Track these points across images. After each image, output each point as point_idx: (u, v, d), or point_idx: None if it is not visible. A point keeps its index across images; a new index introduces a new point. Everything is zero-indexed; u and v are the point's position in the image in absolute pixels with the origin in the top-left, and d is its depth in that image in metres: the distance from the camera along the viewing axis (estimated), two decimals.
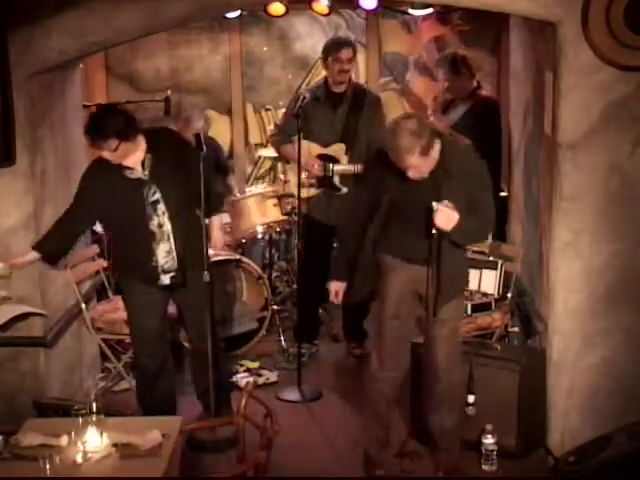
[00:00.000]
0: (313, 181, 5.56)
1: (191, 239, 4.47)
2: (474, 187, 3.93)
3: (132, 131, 4.28)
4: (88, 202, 4.41)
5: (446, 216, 3.82)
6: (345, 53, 5.45)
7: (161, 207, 4.38)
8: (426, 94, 7.21)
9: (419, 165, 3.84)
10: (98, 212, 4.47)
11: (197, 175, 4.38)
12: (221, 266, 5.81)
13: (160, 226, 4.40)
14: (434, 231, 3.88)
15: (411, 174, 3.87)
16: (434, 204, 3.82)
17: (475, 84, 5.66)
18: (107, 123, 4.20)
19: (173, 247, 4.43)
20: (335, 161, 5.50)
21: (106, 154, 4.26)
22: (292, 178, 5.70)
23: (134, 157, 4.33)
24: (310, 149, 5.50)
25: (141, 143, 4.35)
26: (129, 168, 4.35)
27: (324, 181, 5.54)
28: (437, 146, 3.88)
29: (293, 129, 5.51)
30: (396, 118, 3.96)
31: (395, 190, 4.02)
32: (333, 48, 5.49)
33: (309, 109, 5.43)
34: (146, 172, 4.36)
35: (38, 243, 4.39)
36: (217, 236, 4.76)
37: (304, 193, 5.40)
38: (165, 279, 4.48)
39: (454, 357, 4.16)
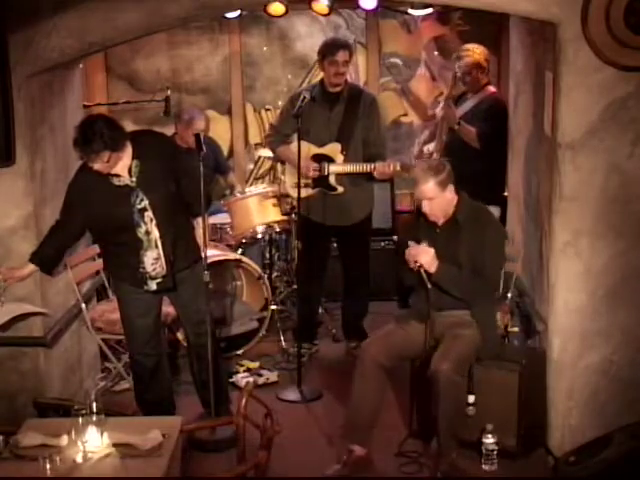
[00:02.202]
0: (309, 181, 5.55)
1: (181, 242, 4.47)
2: (480, 247, 4.25)
3: (122, 140, 4.23)
4: (76, 213, 4.38)
5: (419, 250, 4.23)
6: (341, 55, 5.43)
7: (149, 214, 4.32)
8: (426, 94, 7.23)
9: (433, 196, 4.23)
10: (86, 221, 4.42)
11: (186, 176, 4.40)
12: (221, 266, 5.82)
13: (147, 233, 4.35)
14: (415, 267, 4.25)
15: (426, 208, 4.26)
16: (411, 242, 4.26)
17: (486, 80, 5.71)
18: (97, 137, 4.11)
19: (161, 253, 4.38)
20: (331, 161, 5.49)
21: (97, 165, 4.21)
22: (287, 178, 5.69)
23: (121, 164, 4.27)
24: (307, 149, 5.50)
25: (128, 149, 4.29)
26: (116, 175, 4.29)
27: (320, 181, 5.54)
28: (453, 189, 4.28)
29: (288, 129, 5.52)
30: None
31: (421, 237, 4.34)
32: (329, 50, 5.46)
33: (305, 109, 5.43)
34: (133, 179, 4.30)
35: (34, 255, 4.38)
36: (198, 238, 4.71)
37: (300, 193, 5.43)
38: (152, 285, 4.44)
39: (458, 367, 4.21)
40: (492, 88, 5.79)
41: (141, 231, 4.34)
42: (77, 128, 4.23)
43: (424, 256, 4.24)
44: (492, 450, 4.27)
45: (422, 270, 4.25)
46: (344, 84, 5.54)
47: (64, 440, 3.33)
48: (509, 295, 4.94)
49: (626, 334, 4.29)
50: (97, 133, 4.12)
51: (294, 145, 5.56)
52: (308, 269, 5.61)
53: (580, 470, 4.10)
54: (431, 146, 5.95)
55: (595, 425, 4.31)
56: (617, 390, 4.32)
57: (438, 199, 4.26)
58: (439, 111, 5.75)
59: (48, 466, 3.15)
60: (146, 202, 4.32)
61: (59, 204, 4.70)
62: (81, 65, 5.29)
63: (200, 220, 4.55)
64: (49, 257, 4.42)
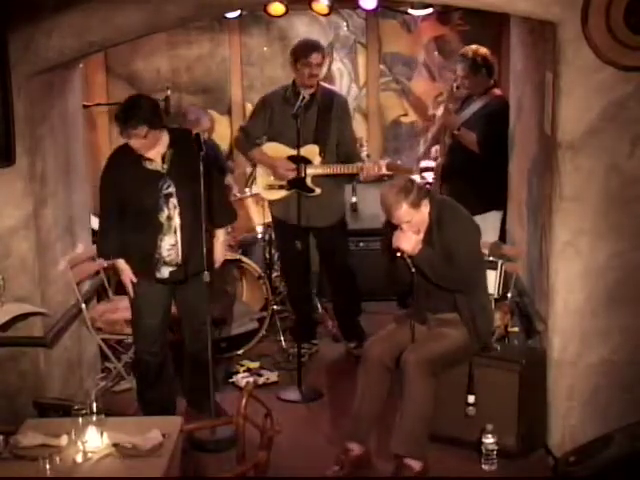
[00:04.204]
0: (284, 183, 5.54)
1: (196, 242, 4.49)
2: (450, 241, 4.25)
3: (160, 120, 4.42)
4: (112, 192, 4.54)
5: (400, 235, 4.21)
6: (315, 58, 5.44)
7: (173, 201, 4.45)
8: (426, 94, 7.23)
9: (410, 219, 4.18)
10: (116, 201, 4.54)
11: (213, 184, 4.54)
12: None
13: (169, 219, 4.46)
14: (398, 254, 4.24)
15: (406, 228, 4.22)
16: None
17: (492, 82, 5.69)
18: (138, 110, 4.32)
19: (179, 241, 4.48)
20: (307, 162, 5.45)
21: (134, 142, 4.36)
22: (259, 181, 5.67)
23: (156, 149, 4.43)
24: (279, 151, 5.50)
25: (165, 137, 4.46)
26: (149, 159, 4.45)
27: (296, 183, 5.50)
28: (427, 202, 4.25)
29: (259, 132, 5.54)
30: (388, 182, 4.42)
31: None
32: (303, 52, 5.46)
33: (278, 112, 5.46)
34: (165, 166, 4.46)
35: (101, 249, 4.69)
36: (220, 251, 4.80)
37: (272, 195, 5.49)
38: (165, 272, 4.53)
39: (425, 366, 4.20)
40: (498, 91, 5.75)
41: (163, 215, 4.46)
42: (121, 104, 4.45)
43: (405, 242, 4.23)
44: (492, 450, 4.27)
45: (405, 256, 4.25)
46: (317, 86, 5.54)
47: (64, 440, 3.33)
48: (509, 295, 4.94)
49: (626, 334, 4.29)
50: (139, 108, 4.33)
51: (266, 147, 5.57)
52: (292, 271, 5.66)
53: (580, 470, 4.10)
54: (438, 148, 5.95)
55: (595, 425, 4.31)
56: (617, 390, 4.32)
57: (415, 218, 4.23)
58: (439, 117, 5.72)
59: (48, 466, 3.15)
60: (173, 189, 4.44)
61: (59, 204, 4.72)
62: (81, 65, 5.29)
63: (220, 232, 4.73)
64: (115, 245, 4.60)
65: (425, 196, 4.26)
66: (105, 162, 4.63)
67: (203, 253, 4.49)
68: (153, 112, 4.38)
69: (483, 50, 5.67)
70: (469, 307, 4.32)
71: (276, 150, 5.52)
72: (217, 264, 4.83)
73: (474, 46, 5.73)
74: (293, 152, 5.47)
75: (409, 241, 4.23)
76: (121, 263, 4.63)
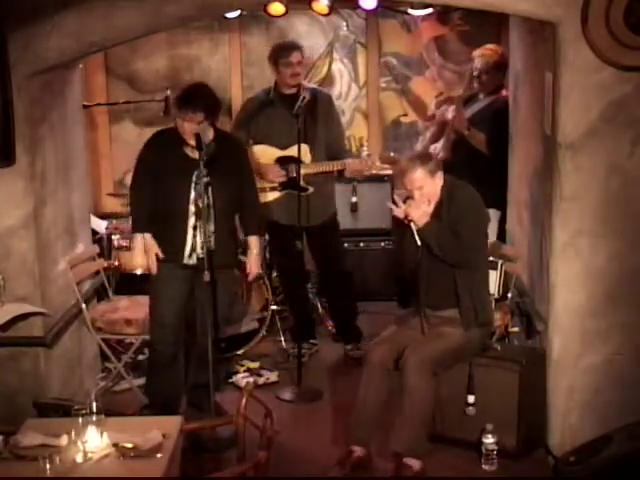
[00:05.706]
0: (275, 184, 5.55)
1: (226, 237, 4.63)
2: (458, 215, 4.31)
3: (216, 114, 4.59)
4: (148, 168, 4.63)
5: (411, 203, 4.30)
6: (295, 56, 5.47)
7: (210, 190, 4.49)
8: (426, 94, 7.23)
9: (423, 185, 4.29)
10: (152, 176, 4.62)
11: (248, 192, 4.74)
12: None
13: (209, 207, 4.50)
14: (406, 221, 4.34)
15: (417, 196, 4.29)
16: (396, 197, 4.40)
17: (502, 83, 5.74)
18: (202, 97, 4.49)
19: (213, 230, 4.53)
20: (298, 162, 5.41)
21: (187, 125, 4.47)
22: None
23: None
24: (268, 153, 5.51)
25: (210, 133, 4.57)
26: (191, 147, 4.52)
27: (288, 183, 5.51)
28: (442, 176, 4.36)
29: (244, 136, 5.50)
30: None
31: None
32: (283, 52, 5.49)
33: (264, 113, 5.47)
34: (205, 157, 4.48)
35: (138, 226, 4.71)
36: (254, 260, 4.88)
37: (263, 198, 5.46)
38: (194, 257, 4.61)
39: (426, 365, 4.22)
40: (505, 92, 5.79)
41: (205, 202, 4.49)
42: (183, 89, 4.63)
43: (414, 211, 4.30)
44: (492, 450, 4.27)
45: (412, 225, 4.32)
46: (298, 85, 5.54)
47: (64, 440, 3.33)
48: (509, 295, 4.94)
49: (626, 333, 4.29)
50: (204, 96, 4.51)
51: (254, 149, 5.56)
52: (289, 272, 5.68)
53: (580, 470, 4.10)
54: (438, 145, 5.95)
55: (595, 425, 4.31)
56: (617, 390, 4.32)
57: (427, 187, 4.31)
58: (449, 114, 5.75)
59: (48, 466, 3.15)
60: (209, 179, 4.47)
61: (59, 204, 4.71)
62: (81, 65, 5.29)
63: (253, 240, 4.84)
64: (146, 220, 4.67)
65: (441, 169, 4.37)
66: (146, 140, 4.73)
67: (230, 251, 4.67)
68: (214, 104, 4.55)
69: (501, 49, 5.79)
70: (470, 294, 4.33)
71: (264, 153, 5.53)
72: (251, 277, 4.96)
73: (495, 45, 5.85)
74: (282, 153, 5.50)
75: (418, 210, 4.30)
76: (149, 238, 4.69)
